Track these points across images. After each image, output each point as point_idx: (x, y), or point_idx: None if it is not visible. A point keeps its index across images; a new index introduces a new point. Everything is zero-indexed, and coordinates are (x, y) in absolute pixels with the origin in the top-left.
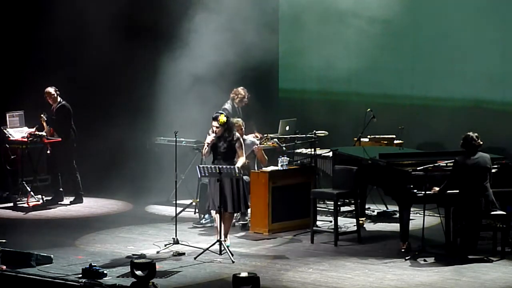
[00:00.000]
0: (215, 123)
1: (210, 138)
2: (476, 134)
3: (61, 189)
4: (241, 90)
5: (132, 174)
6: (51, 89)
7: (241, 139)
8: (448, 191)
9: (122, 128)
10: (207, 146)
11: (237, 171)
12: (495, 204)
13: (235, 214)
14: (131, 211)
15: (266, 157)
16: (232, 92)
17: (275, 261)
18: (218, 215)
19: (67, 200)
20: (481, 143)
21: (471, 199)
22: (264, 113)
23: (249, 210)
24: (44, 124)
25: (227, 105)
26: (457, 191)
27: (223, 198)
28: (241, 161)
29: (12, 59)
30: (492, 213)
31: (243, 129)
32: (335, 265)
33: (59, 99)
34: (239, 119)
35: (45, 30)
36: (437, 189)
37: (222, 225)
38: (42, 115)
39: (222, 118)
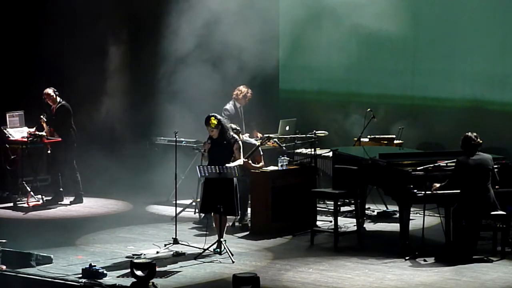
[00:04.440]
0: (208, 128)
1: (207, 146)
2: (475, 133)
3: (61, 189)
4: (242, 87)
5: (132, 174)
6: (49, 90)
7: (240, 142)
8: (448, 191)
9: (122, 128)
10: (205, 152)
11: (237, 171)
12: (497, 205)
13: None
14: (131, 211)
15: (258, 165)
16: (235, 90)
17: (275, 261)
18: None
19: (67, 200)
20: (481, 142)
21: (472, 199)
22: (264, 113)
23: (249, 210)
24: (44, 124)
25: (228, 106)
26: (458, 191)
27: (218, 199)
28: (238, 162)
29: (13, 59)
30: (492, 213)
31: (240, 133)
32: (335, 265)
33: (58, 99)
34: (233, 125)
35: (46, 30)
36: (437, 185)
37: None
38: (42, 117)
39: (213, 120)
